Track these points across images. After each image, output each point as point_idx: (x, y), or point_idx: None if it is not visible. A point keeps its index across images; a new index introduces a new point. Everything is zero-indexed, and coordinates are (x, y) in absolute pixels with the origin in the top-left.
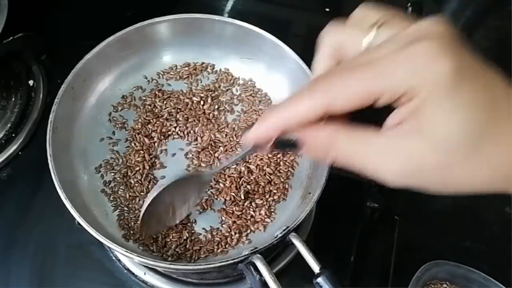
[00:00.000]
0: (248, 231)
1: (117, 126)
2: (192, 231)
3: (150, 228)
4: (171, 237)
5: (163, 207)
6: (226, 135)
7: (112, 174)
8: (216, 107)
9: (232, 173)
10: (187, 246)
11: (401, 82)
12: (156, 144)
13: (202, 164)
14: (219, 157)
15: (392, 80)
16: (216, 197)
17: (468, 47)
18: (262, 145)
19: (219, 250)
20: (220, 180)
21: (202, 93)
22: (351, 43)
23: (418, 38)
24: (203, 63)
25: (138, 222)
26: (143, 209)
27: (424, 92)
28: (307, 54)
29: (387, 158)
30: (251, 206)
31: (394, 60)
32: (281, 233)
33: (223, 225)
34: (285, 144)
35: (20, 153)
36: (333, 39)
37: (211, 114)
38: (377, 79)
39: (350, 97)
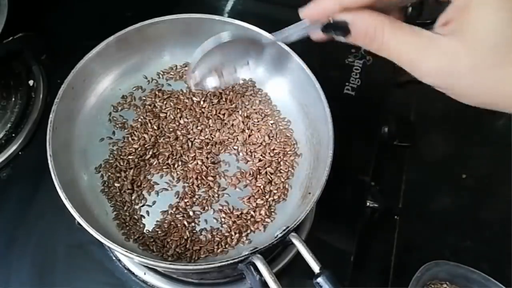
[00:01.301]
0: (248, 231)
1: (117, 126)
2: (193, 231)
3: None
4: (171, 237)
5: (215, 63)
6: (226, 134)
7: (109, 173)
8: (216, 107)
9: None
10: (187, 246)
11: None
12: (152, 140)
13: (204, 161)
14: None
15: None
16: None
17: None
18: (316, 22)
19: (219, 250)
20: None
21: (202, 93)
22: None
23: None
24: None
25: None
26: (196, 58)
27: None
28: (307, 54)
29: (425, 55)
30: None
31: None
32: (281, 233)
33: (223, 225)
34: (336, 27)
35: (20, 153)
36: None
37: (210, 114)
38: None
39: None
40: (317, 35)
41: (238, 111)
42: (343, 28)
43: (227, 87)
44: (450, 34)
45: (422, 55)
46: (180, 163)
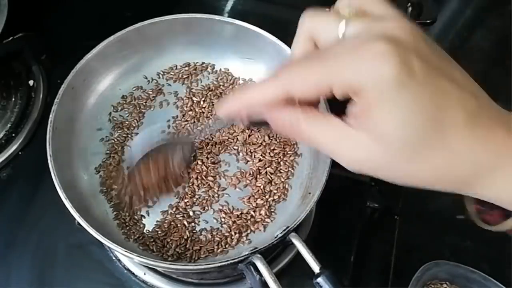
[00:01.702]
0: (248, 231)
1: (117, 126)
2: (193, 231)
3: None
4: (171, 237)
5: (147, 174)
6: (226, 134)
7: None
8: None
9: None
10: (187, 246)
11: (349, 78)
12: None
13: (204, 161)
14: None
15: (341, 76)
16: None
17: (436, 53)
18: (234, 120)
19: (219, 250)
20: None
21: (202, 93)
22: (326, 30)
23: (378, 38)
24: (203, 63)
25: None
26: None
27: (371, 91)
28: None
29: (342, 147)
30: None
31: (349, 56)
32: (281, 233)
33: (223, 225)
34: (257, 122)
35: (20, 153)
36: (310, 24)
37: (210, 114)
38: (328, 73)
39: (306, 86)
40: (241, 125)
41: None
42: (264, 123)
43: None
44: (360, 128)
45: (339, 147)
46: None
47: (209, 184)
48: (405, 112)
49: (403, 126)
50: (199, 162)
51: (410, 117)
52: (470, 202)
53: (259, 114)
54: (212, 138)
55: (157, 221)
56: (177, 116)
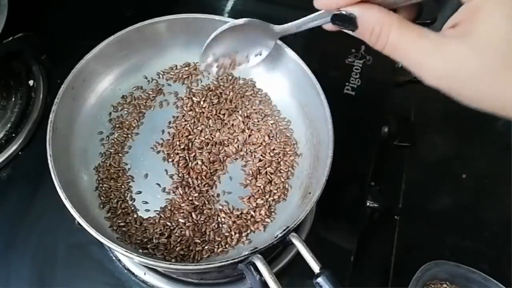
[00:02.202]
0: (248, 231)
1: (117, 126)
2: (194, 231)
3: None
4: (173, 237)
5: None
6: (226, 134)
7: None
8: (216, 107)
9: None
10: (190, 248)
11: None
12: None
13: (204, 161)
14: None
15: None
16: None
17: None
18: (328, 12)
19: (219, 250)
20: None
21: (202, 93)
22: None
23: None
24: None
25: None
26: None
27: None
28: (307, 54)
29: (432, 58)
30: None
31: None
32: (281, 233)
33: (223, 225)
34: (344, 19)
35: (20, 153)
36: None
37: (210, 114)
38: None
39: None
40: (328, 25)
41: (238, 111)
42: (350, 21)
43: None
44: (459, 37)
45: (429, 57)
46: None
47: (209, 184)
48: None
49: (508, 35)
50: (199, 162)
51: None
52: None
53: (354, 11)
54: (213, 138)
55: (158, 221)
56: (177, 116)
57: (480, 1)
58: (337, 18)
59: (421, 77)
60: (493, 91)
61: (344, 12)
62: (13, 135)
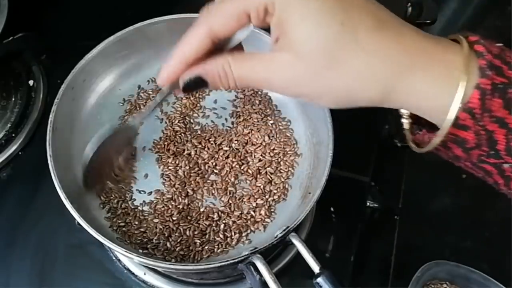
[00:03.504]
0: (248, 231)
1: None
2: (194, 232)
3: (92, 184)
4: (173, 238)
5: (100, 163)
6: (226, 135)
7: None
8: (216, 107)
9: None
10: (190, 248)
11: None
12: None
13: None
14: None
15: None
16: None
17: None
18: (175, 86)
19: (219, 250)
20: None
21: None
22: None
23: None
24: None
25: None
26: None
27: (280, 4)
28: None
29: (272, 72)
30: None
31: None
32: (281, 233)
33: (223, 225)
34: (194, 84)
35: (20, 153)
36: None
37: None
38: (242, 0)
39: (226, 18)
40: (180, 92)
41: (238, 111)
42: (200, 81)
43: None
44: (281, 48)
45: (269, 74)
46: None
47: (209, 184)
48: (314, 19)
49: (315, 33)
50: (199, 162)
51: (319, 22)
52: (407, 120)
53: (195, 72)
54: (213, 138)
55: (158, 221)
56: (177, 116)
57: (280, 14)
58: (188, 87)
59: (277, 92)
60: (329, 82)
61: (190, 78)
62: (13, 135)
